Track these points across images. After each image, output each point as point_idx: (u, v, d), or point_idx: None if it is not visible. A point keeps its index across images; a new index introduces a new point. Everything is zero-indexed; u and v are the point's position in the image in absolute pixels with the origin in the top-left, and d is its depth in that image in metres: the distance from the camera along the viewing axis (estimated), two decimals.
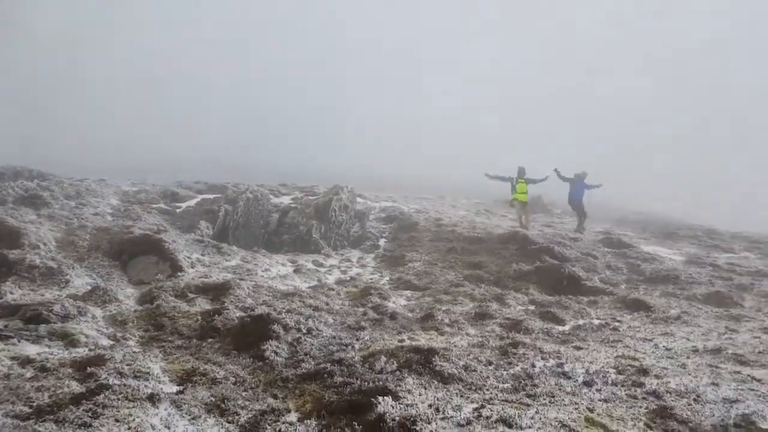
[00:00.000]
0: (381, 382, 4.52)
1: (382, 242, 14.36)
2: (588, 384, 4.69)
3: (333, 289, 8.89)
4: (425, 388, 4.52)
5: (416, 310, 7.81)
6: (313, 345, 5.88)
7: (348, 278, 10.50)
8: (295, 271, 10.61)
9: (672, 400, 4.32)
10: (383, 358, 5.06)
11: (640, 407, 4.17)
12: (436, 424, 3.82)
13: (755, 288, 9.98)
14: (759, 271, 11.99)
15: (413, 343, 5.64)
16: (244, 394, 4.60)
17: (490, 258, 11.58)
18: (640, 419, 3.92)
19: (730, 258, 14.34)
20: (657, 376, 4.94)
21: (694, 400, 4.40)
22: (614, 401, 4.30)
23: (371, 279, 10.54)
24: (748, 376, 5.21)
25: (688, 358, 5.79)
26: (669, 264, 12.26)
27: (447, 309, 7.64)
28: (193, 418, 4.08)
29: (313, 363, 5.28)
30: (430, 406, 4.13)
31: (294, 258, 11.90)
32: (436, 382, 4.68)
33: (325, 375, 4.85)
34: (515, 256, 11.39)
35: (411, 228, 15.25)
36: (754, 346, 6.31)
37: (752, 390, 4.77)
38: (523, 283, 9.71)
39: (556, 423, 3.77)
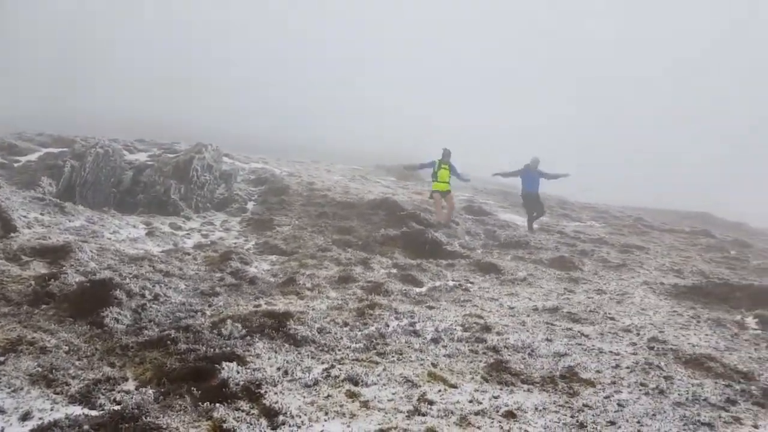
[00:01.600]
0: (229, 348, 4.31)
1: (250, 205, 13.78)
2: (435, 341, 4.89)
3: (189, 254, 8.33)
4: (276, 352, 4.39)
5: (279, 274, 7.60)
6: (159, 312, 5.44)
7: (208, 242, 9.92)
8: (148, 234, 9.76)
9: (509, 355, 4.66)
10: (233, 324, 4.81)
11: (480, 361, 4.43)
12: (283, 386, 3.72)
13: (595, 254, 11.19)
14: (600, 238, 13.53)
15: (269, 307, 5.45)
16: (77, 363, 4.18)
17: (360, 223, 11.67)
18: (478, 372, 4.16)
19: (578, 226, 16.02)
20: (498, 333, 5.30)
21: (529, 354, 4.79)
22: (457, 356, 4.53)
23: (235, 243, 10.05)
24: (579, 332, 5.81)
25: (528, 316, 6.31)
26: (522, 231, 13.34)
27: (311, 273, 7.53)
28: (13, 391, 3.62)
29: (157, 330, 4.91)
30: (278, 369, 4.02)
31: (149, 220, 10.95)
32: (288, 346, 4.57)
33: (169, 342, 4.52)
34: (384, 222, 11.61)
35: (282, 191, 14.82)
36: (587, 306, 7.07)
37: (580, 345, 5.32)
38: (389, 247, 9.92)
39: (401, 378, 3.87)
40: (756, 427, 3.70)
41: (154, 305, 5.55)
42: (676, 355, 5.20)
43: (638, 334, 5.88)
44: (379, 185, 19.38)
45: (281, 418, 3.27)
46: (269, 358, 4.22)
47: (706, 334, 6.27)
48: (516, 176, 13.50)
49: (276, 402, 3.45)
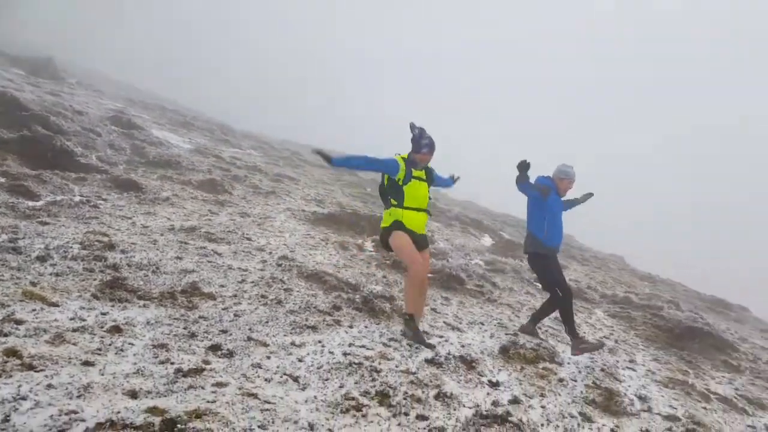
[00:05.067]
0: None
1: None
2: (42, 259, 4.25)
3: None
4: None
5: None
6: None
7: None
8: None
9: (129, 273, 4.45)
10: None
11: (94, 279, 4.09)
12: None
13: (248, 180, 11.58)
14: (256, 166, 14.06)
15: None
16: None
17: None
18: (89, 290, 3.84)
19: (236, 153, 16.23)
20: (123, 251, 4.99)
21: (153, 271, 4.67)
22: (67, 275, 4.07)
23: None
24: (212, 250, 5.97)
25: (162, 235, 6.12)
26: (175, 150, 12.73)
27: None
28: None
29: None
30: None
31: None
32: None
33: None
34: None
35: None
36: (227, 227, 7.31)
37: (210, 262, 5.48)
38: (0, 153, 7.99)
39: None
40: (351, 327, 4.58)
41: None
42: (300, 270, 5.96)
43: (270, 253, 6.48)
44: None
45: None
46: None
47: (330, 254, 7.41)
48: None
49: None
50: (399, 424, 2.93)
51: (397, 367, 3.76)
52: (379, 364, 3.72)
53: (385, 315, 5.12)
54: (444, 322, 5.55)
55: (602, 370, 4.88)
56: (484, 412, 3.25)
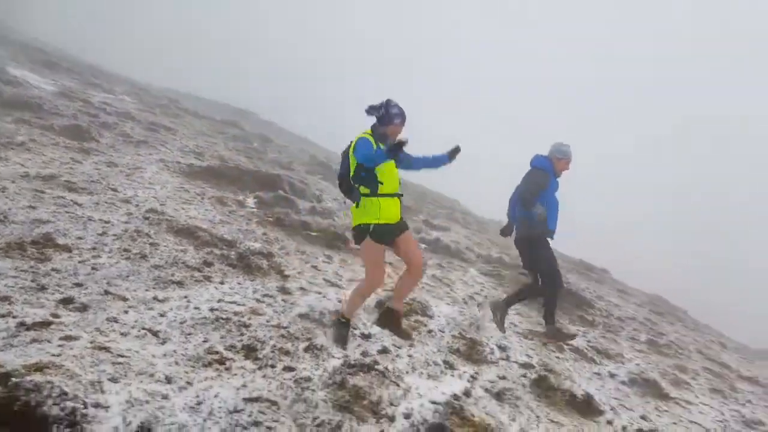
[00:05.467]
0: None
1: None
2: None
3: None
4: None
5: None
6: None
7: None
8: None
9: None
10: None
11: None
12: None
13: (118, 127, 10.55)
14: (128, 113, 12.81)
15: None
16: None
17: None
18: None
19: (107, 98, 14.66)
20: None
21: (1, 221, 4.17)
22: None
23: None
24: (72, 201, 5.41)
25: (13, 182, 5.44)
26: (36, 92, 11.26)
27: None
28: None
29: None
30: None
31: None
32: None
33: None
34: None
35: None
36: (90, 176, 6.64)
37: (69, 213, 4.96)
38: None
39: None
40: (222, 283, 4.40)
41: None
42: (170, 225, 5.59)
43: (137, 206, 6.00)
44: None
45: None
46: None
47: (206, 209, 7.03)
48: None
49: None
50: (264, 376, 2.90)
51: (268, 322, 3.70)
52: (249, 319, 3.63)
53: (261, 272, 5.00)
54: (324, 279, 5.57)
55: (470, 323, 5.21)
56: (353, 362, 3.31)
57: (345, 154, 3.86)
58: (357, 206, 3.74)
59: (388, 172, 3.77)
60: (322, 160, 16.86)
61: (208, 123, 17.04)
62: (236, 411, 2.52)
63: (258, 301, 4.13)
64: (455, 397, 3.32)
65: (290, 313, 4.01)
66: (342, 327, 3.84)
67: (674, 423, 4.62)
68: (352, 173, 3.75)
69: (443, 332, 4.65)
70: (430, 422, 2.91)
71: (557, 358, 5.31)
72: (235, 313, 3.67)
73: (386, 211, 3.69)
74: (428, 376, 3.63)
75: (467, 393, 3.52)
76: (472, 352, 4.35)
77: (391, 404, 3.03)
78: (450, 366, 3.94)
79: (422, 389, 3.37)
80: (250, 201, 8.57)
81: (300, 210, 8.52)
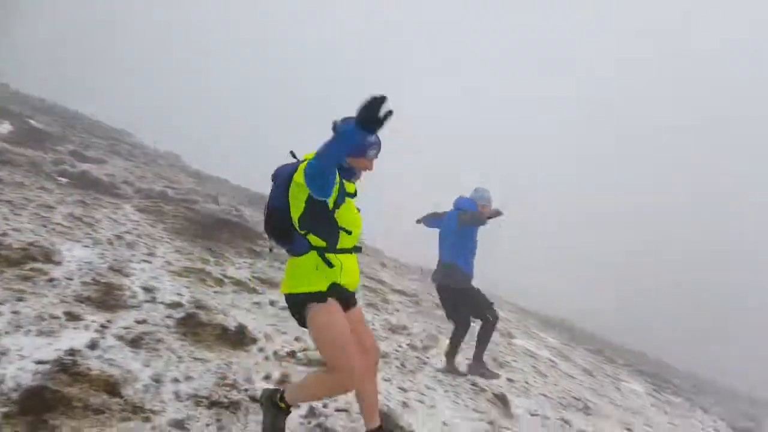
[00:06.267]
0: None
1: None
2: None
3: None
4: None
5: None
6: None
7: None
8: None
9: None
10: None
11: None
12: None
13: None
14: None
15: None
16: None
17: None
18: None
19: None
20: None
21: None
22: None
23: None
24: None
25: None
26: None
27: None
28: None
29: None
30: None
31: None
32: None
33: None
34: None
35: None
36: None
37: None
38: None
39: None
40: None
41: None
42: None
43: None
44: None
45: None
46: None
47: None
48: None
49: None
50: None
51: None
52: None
53: None
54: None
55: (110, 267, 4.65)
56: None
57: (282, 180, 2.58)
58: (297, 264, 2.56)
59: (350, 215, 2.60)
60: None
61: None
62: None
63: None
64: (70, 352, 2.88)
65: None
66: (279, 416, 2.67)
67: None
68: (300, 212, 2.51)
69: (71, 279, 4.00)
70: (24, 387, 2.43)
71: (214, 292, 5.21)
72: None
73: (348, 275, 2.60)
74: (39, 332, 3.05)
75: (93, 345, 3.11)
76: (107, 297, 3.89)
77: None
78: (74, 317, 3.41)
79: (27, 350, 2.81)
80: None
81: None
